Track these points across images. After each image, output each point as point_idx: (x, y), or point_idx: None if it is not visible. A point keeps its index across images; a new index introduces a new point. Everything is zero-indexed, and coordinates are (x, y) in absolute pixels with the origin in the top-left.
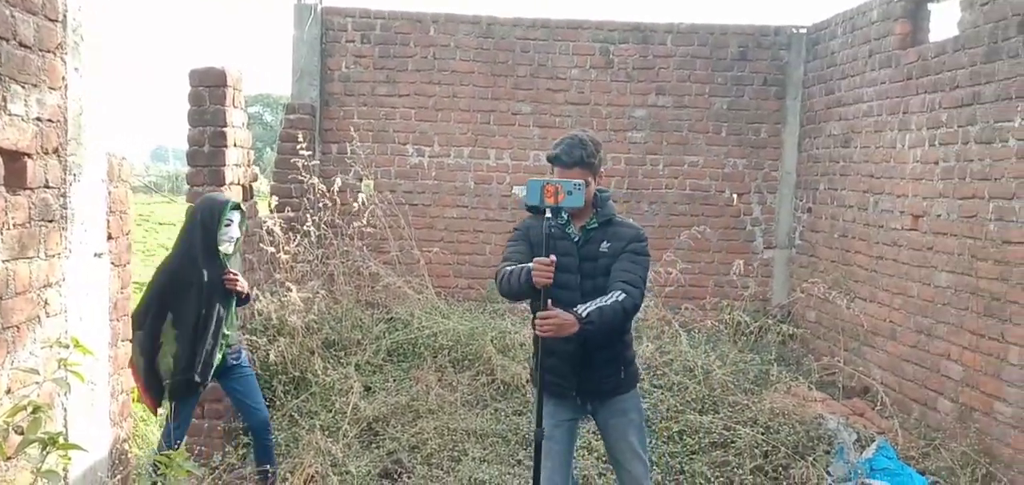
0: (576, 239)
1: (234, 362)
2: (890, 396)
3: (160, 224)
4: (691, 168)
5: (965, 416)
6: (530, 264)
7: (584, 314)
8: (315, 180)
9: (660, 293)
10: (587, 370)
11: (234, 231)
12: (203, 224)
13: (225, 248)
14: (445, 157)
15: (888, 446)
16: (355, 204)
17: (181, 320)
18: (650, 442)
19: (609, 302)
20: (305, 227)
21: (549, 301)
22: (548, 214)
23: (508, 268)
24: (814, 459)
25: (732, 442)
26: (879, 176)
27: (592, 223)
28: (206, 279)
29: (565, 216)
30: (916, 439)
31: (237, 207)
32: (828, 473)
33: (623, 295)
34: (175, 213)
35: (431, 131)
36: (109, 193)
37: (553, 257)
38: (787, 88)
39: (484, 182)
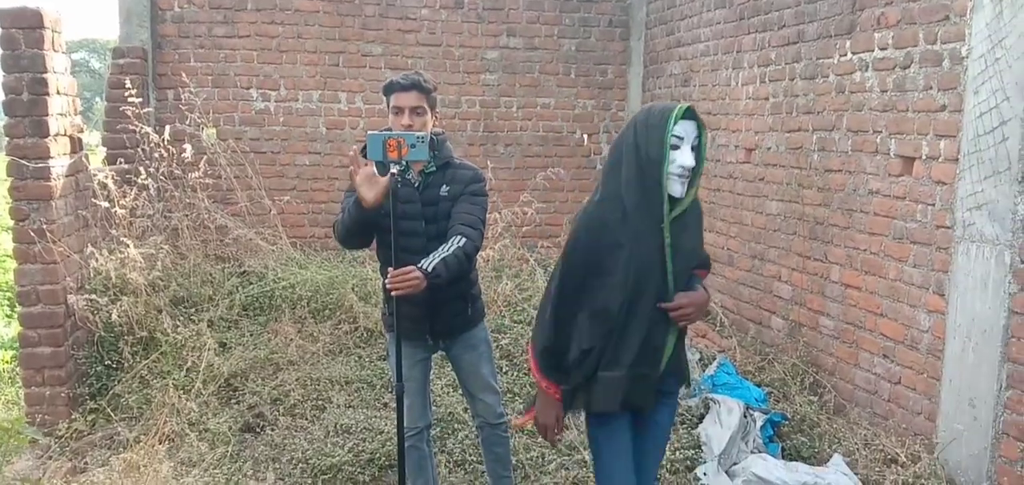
0: (416, 185)
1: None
2: (729, 317)
3: None
4: (543, 110)
5: (794, 332)
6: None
7: (429, 269)
8: (148, 129)
9: (517, 232)
10: (437, 310)
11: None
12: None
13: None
14: (293, 102)
15: (728, 363)
16: (186, 154)
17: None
18: (513, 374)
19: (450, 250)
20: (142, 180)
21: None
22: (393, 170)
23: (342, 214)
24: None
25: None
26: (716, 113)
27: (431, 167)
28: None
29: (410, 170)
30: (753, 355)
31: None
32: None
33: (463, 240)
34: None
35: (276, 74)
36: None
37: (412, 269)
38: (631, 29)
39: (336, 127)
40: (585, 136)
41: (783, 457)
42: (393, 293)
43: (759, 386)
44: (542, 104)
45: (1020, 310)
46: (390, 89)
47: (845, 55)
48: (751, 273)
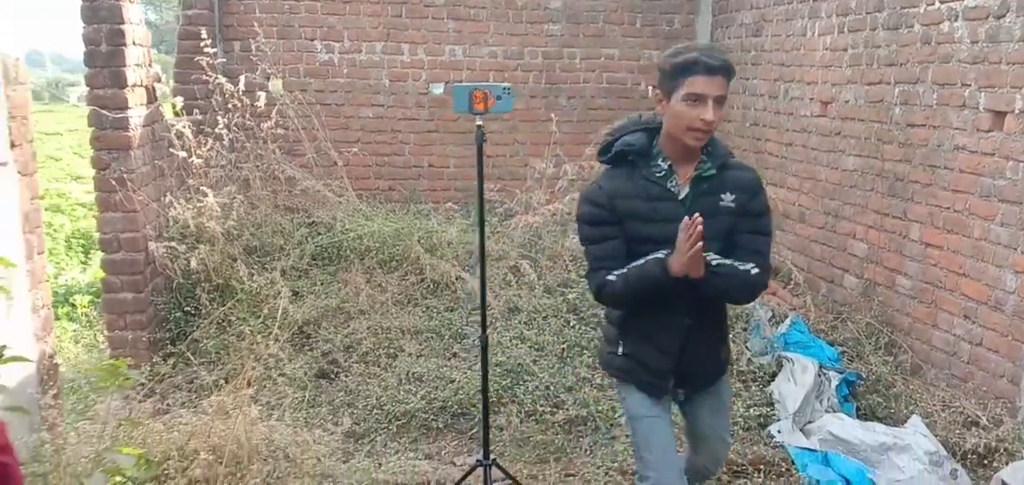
0: (682, 196)
1: None
2: (801, 275)
3: (45, 134)
4: (607, 61)
5: (869, 291)
6: (658, 254)
7: (714, 264)
8: (222, 79)
9: (583, 186)
10: (690, 351)
11: None
12: None
13: None
14: (356, 53)
15: (801, 321)
16: (260, 104)
17: None
18: (580, 329)
19: (742, 268)
20: (217, 130)
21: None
22: (650, 172)
23: (613, 276)
24: (733, 336)
25: None
26: (789, 64)
27: (707, 169)
28: None
29: (664, 164)
30: (825, 314)
31: None
32: (747, 348)
33: (757, 270)
34: (57, 122)
35: (340, 26)
36: (8, 98)
37: (698, 217)
38: None
39: (399, 79)
40: (650, 88)
41: (858, 417)
42: (684, 259)
43: (832, 345)
44: (606, 55)
45: None
46: (689, 70)
47: (932, 4)
48: (824, 230)
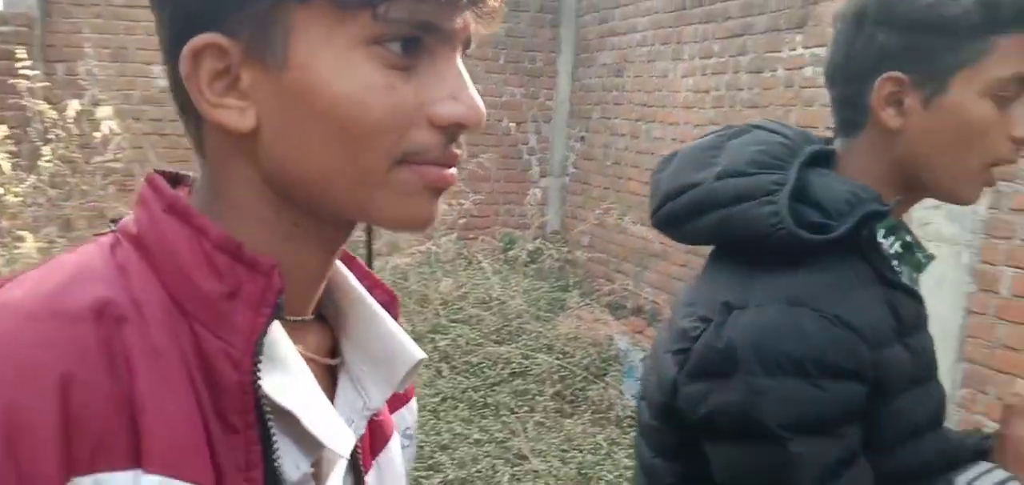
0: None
1: None
2: (664, 313)
3: None
4: None
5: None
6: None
7: None
8: (43, 105)
9: (455, 225)
10: None
11: None
12: None
13: None
14: None
15: None
16: (97, 135)
17: None
18: (453, 379)
19: None
20: (44, 161)
21: None
22: (885, 264)
23: None
24: (609, 379)
25: (530, 370)
26: (652, 104)
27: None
28: None
29: (895, 247)
30: None
31: None
32: (620, 391)
33: None
34: None
35: None
36: None
37: None
38: (561, 16)
39: None
40: (512, 125)
41: None
42: None
43: None
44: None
45: (978, 309)
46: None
47: (795, 50)
48: (685, 268)
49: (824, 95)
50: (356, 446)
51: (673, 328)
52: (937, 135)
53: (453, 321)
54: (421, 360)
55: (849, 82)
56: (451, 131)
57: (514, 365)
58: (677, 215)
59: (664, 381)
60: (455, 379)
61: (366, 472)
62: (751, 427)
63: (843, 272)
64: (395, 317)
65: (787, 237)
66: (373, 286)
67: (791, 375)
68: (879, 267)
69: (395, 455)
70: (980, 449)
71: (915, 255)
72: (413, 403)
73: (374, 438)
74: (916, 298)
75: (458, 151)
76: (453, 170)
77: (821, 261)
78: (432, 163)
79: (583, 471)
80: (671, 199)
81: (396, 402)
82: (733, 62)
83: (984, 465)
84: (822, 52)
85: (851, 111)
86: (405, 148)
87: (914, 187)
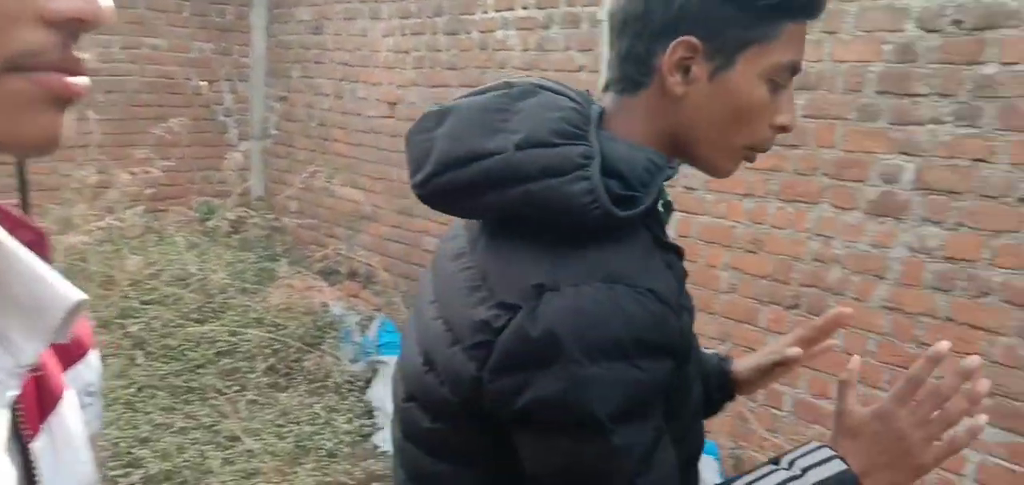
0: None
1: None
2: (379, 275)
3: None
4: (152, 52)
5: None
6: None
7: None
8: None
9: (141, 197)
10: None
11: None
12: None
13: None
14: None
15: (389, 322)
16: None
17: None
18: (149, 367)
19: None
20: None
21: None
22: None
23: None
24: (325, 348)
25: (239, 347)
26: (354, 64)
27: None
28: None
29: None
30: (409, 310)
31: None
32: (338, 358)
33: None
34: None
35: None
36: None
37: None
38: None
39: None
40: (203, 84)
41: None
42: None
43: None
44: (151, 45)
45: None
46: (797, 8)
47: (487, 13)
48: (399, 228)
49: (517, 58)
50: (17, 411)
51: (458, 320)
52: (714, 109)
53: (145, 303)
54: (81, 302)
55: (640, 38)
56: (71, 28)
57: (220, 344)
58: (459, 186)
59: (458, 380)
60: (152, 366)
61: (33, 438)
62: (575, 418)
63: (639, 241)
64: (46, 259)
65: (602, 215)
66: (15, 226)
67: (614, 359)
68: (654, 230)
69: (68, 417)
70: (719, 369)
71: (667, 210)
72: (92, 357)
73: (43, 400)
74: (680, 255)
75: (83, 55)
76: (82, 79)
77: (621, 233)
78: (50, 69)
79: (301, 443)
80: (451, 168)
81: (68, 357)
82: (430, 23)
83: (813, 443)
84: (512, 16)
85: (635, 69)
86: (11, 51)
87: (677, 153)
